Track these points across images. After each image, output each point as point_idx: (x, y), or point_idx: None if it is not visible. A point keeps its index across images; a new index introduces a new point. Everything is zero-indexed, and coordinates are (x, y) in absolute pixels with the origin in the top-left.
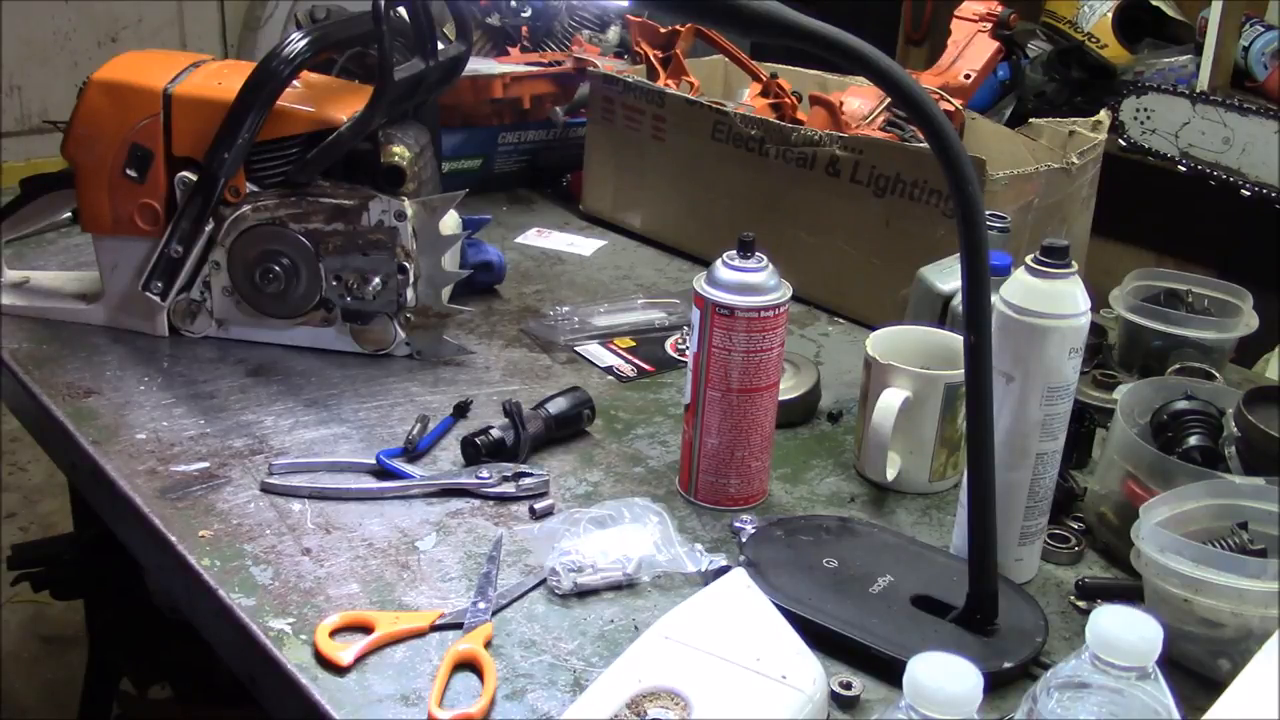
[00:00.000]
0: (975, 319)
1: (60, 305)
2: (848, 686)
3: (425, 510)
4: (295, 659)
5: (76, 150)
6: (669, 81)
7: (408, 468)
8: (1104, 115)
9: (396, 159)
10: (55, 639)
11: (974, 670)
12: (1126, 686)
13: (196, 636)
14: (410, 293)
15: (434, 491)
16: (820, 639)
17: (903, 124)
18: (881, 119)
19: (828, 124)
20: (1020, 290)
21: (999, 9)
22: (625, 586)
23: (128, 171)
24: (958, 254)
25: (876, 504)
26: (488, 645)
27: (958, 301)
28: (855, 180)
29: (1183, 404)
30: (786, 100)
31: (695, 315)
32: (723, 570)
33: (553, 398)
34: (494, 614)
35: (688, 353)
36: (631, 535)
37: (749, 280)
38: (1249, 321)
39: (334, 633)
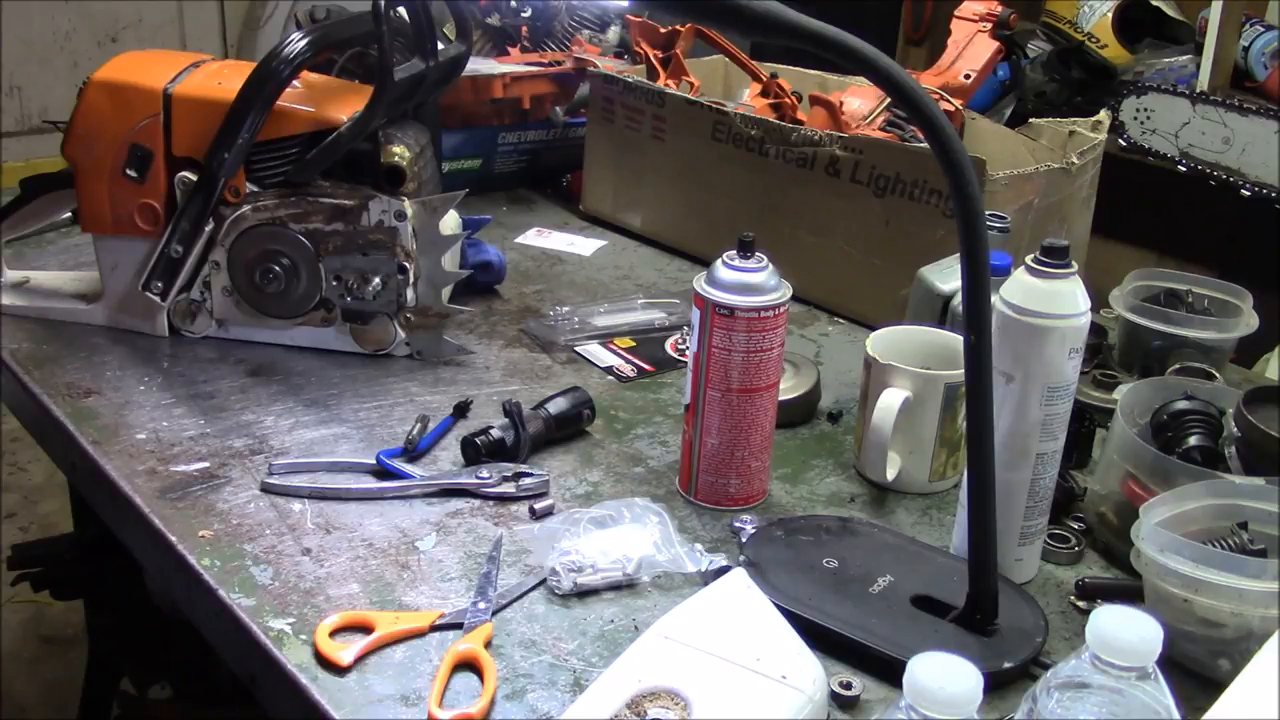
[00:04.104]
0: (975, 319)
1: (60, 305)
2: (848, 686)
3: (425, 510)
4: (295, 659)
5: (76, 150)
6: (669, 81)
7: (408, 468)
8: (1104, 115)
9: (396, 159)
10: (55, 639)
11: (974, 670)
12: (1126, 686)
13: (196, 636)
14: (410, 293)
15: (434, 491)
16: (820, 639)
17: (903, 124)
18: (881, 119)
19: (828, 124)
20: (1020, 290)
21: (999, 9)
22: (625, 586)
23: (128, 171)
24: (958, 254)
25: (876, 504)
26: (488, 645)
27: (958, 301)
28: (855, 180)
29: (1183, 404)
30: (786, 100)
31: (695, 315)
32: (723, 570)
33: (553, 398)
34: (494, 614)
35: (688, 353)
36: (631, 535)
37: (749, 280)
38: (1249, 321)
39: (334, 633)
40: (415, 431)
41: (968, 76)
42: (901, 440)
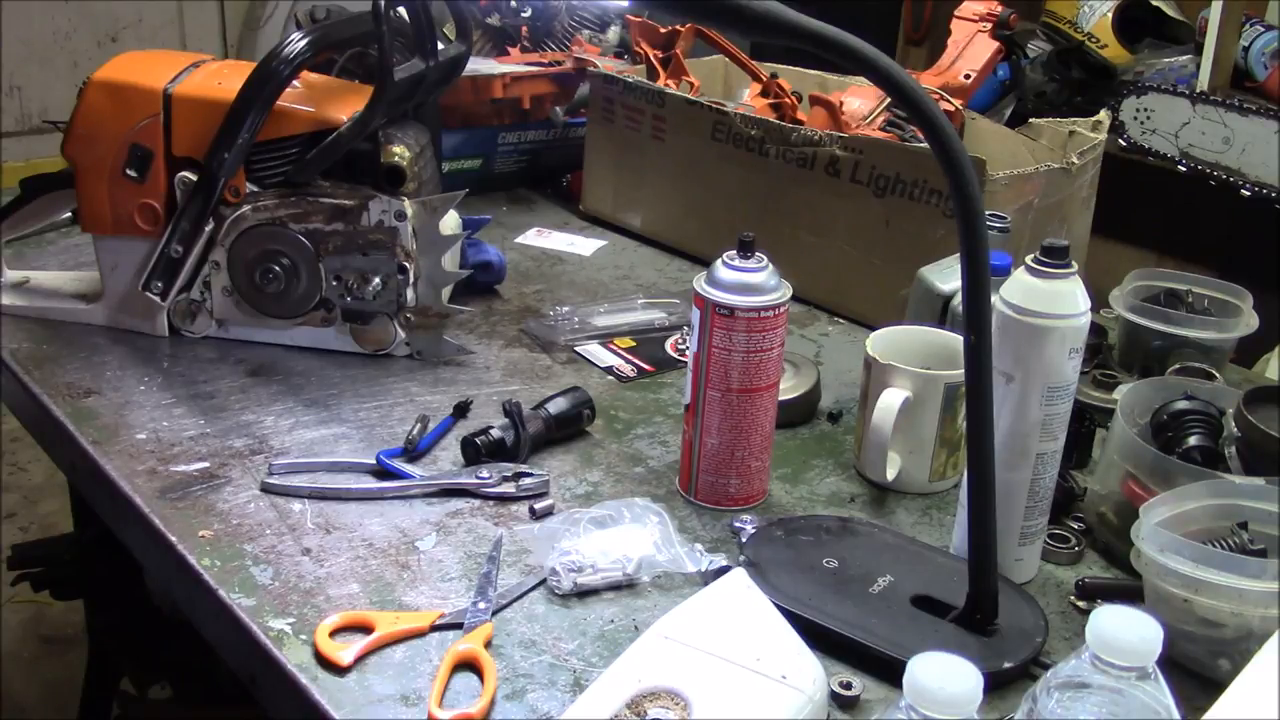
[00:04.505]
0: (975, 319)
1: (60, 305)
2: (848, 686)
3: (425, 510)
4: (295, 659)
5: (76, 150)
6: (669, 81)
7: (408, 468)
8: (1104, 115)
9: (396, 159)
10: (55, 639)
11: (974, 670)
12: (1126, 686)
13: (196, 636)
14: (410, 293)
15: (434, 491)
16: (820, 639)
17: (903, 124)
18: (881, 119)
19: (828, 124)
20: (1020, 290)
21: (999, 9)
22: (625, 586)
23: (128, 171)
24: (958, 254)
25: (876, 504)
26: (488, 645)
27: (958, 301)
28: (855, 180)
29: (1183, 404)
30: (786, 100)
31: (695, 315)
32: (723, 570)
33: (553, 398)
34: (494, 614)
35: (688, 353)
36: (631, 535)
37: (749, 280)
38: (1249, 321)
39: (334, 633)
40: (415, 431)
41: (968, 76)
42: (901, 440)
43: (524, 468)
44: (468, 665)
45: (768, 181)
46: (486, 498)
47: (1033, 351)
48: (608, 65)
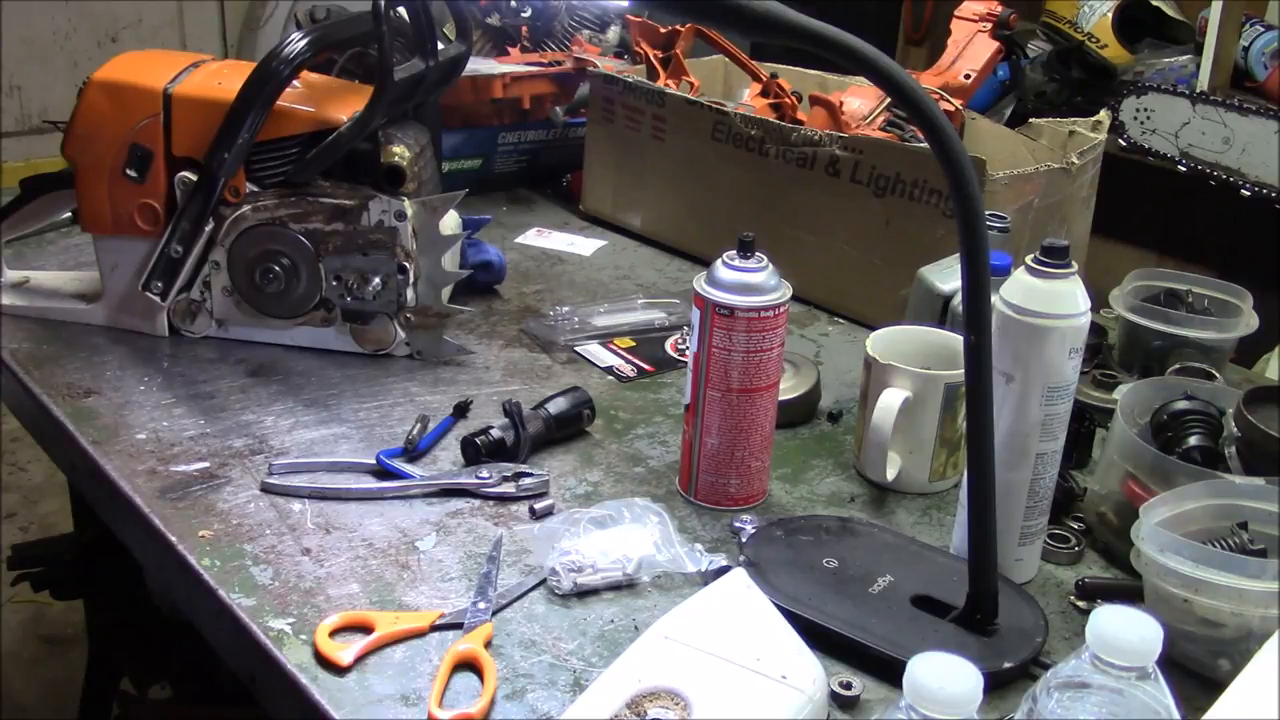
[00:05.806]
0: (975, 319)
1: (60, 305)
2: (848, 686)
3: (425, 510)
4: (295, 659)
5: (76, 150)
6: (669, 81)
7: (408, 468)
8: (1104, 115)
9: (396, 159)
10: (55, 639)
11: (974, 670)
12: (1126, 686)
13: (196, 636)
14: (410, 293)
15: (434, 491)
16: (820, 639)
17: (903, 124)
18: (881, 119)
19: (828, 124)
20: (1020, 290)
21: (999, 9)
22: (625, 586)
23: (128, 171)
24: (958, 254)
25: (876, 504)
26: (488, 645)
27: (958, 301)
28: (855, 180)
29: (1183, 404)
30: (786, 100)
31: (695, 315)
32: (723, 570)
33: (553, 398)
34: (494, 614)
35: (688, 353)
36: (631, 535)
37: (749, 280)
38: (1249, 321)
39: (334, 633)
40: (415, 431)
41: (968, 76)
42: (901, 440)
43: (524, 468)
44: (468, 665)
45: (768, 181)
46: (486, 498)
47: (1033, 351)
48: (608, 65)
